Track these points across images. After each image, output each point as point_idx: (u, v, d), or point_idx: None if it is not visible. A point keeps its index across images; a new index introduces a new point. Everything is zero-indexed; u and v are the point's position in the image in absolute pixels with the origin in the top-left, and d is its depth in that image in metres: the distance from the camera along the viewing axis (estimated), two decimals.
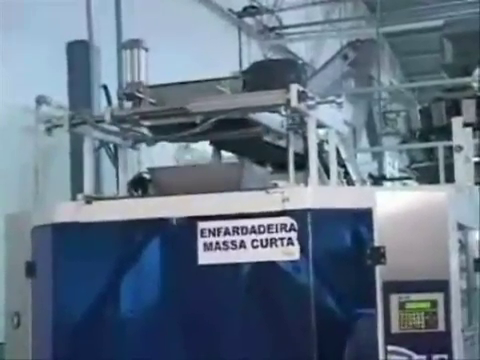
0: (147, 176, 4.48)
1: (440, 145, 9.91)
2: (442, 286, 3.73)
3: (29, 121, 4.63)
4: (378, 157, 12.91)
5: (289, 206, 3.71)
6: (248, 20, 12.29)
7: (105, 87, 6.20)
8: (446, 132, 10.29)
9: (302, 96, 3.87)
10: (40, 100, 4.43)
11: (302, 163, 4.25)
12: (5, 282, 4.34)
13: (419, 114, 12.32)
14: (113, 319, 4.14)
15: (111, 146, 4.88)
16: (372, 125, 12.32)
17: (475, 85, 12.31)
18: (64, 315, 4.09)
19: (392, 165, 14.88)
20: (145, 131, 4.48)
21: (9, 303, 4.34)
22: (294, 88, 3.85)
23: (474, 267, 4.46)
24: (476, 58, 12.49)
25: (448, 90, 12.38)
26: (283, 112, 4.04)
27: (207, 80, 4.38)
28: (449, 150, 9.21)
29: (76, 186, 4.95)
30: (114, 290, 4.15)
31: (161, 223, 3.88)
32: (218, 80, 4.34)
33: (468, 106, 10.86)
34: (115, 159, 4.77)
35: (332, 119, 4.39)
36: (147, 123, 4.32)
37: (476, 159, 8.61)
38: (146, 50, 4.36)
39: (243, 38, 12.03)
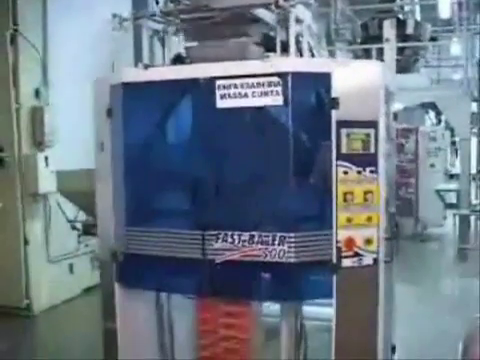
0: (183, 53, 4.31)
1: (373, 46, 10.01)
2: (373, 124, 3.62)
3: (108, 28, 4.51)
4: (332, 55, 12.79)
5: (276, 69, 3.59)
6: None
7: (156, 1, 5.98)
8: (377, 39, 10.29)
9: None
10: (114, 15, 4.32)
11: (285, 47, 4.11)
12: (94, 122, 4.21)
13: (360, 28, 12.24)
14: (162, 145, 4.09)
15: (161, 34, 4.69)
16: (330, 35, 12.17)
17: (395, 8, 12.35)
18: (130, 142, 4.01)
19: None
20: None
21: (97, 136, 4.23)
22: None
23: (393, 118, 4.35)
24: None
25: (379, 12, 12.35)
26: (273, 9, 3.89)
27: None
28: (380, 51, 9.20)
29: (137, 60, 4.82)
30: (163, 126, 4.06)
31: (193, 82, 3.75)
32: None
33: (392, 21, 10.85)
34: (163, 42, 4.60)
35: (306, 17, 4.21)
36: (184, 16, 4.15)
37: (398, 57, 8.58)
38: None
39: None
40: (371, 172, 3.63)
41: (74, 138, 7.38)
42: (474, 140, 13.55)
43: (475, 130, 13.62)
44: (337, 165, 3.59)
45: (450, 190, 13.40)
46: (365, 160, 3.63)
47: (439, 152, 13.06)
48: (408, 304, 6.94)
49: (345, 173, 3.60)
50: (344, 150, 3.60)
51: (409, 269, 8.78)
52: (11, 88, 7.66)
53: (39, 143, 7.93)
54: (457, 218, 11.58)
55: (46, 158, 7.85)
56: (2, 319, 7.40)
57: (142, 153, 4.00)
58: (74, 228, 6.87)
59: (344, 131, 3.60)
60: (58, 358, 6.20)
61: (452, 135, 16.21)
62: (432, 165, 12.93)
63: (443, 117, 16.19)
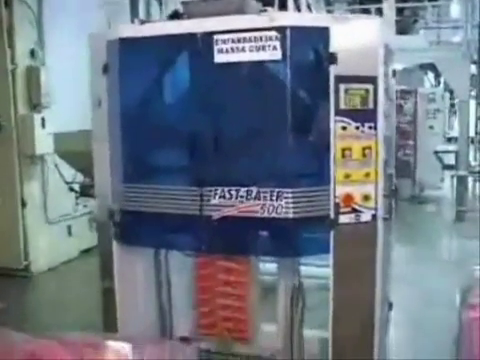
0: (181, 10, 4.25)
1: (373, 6, 9.96)
2: (372, 80, 3.58)
3: None
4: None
5: (275, 24, 3.54)
6: None
7: None
8: None
9: None
10: None
11: (283, 3, 4.06)
12: (90, 76, 4.16)
13: None
14: (159, 101, 4.06)
15: None
16: None
17: None
18: (127, 99, 3.97)
19: None
20: None
21: (93, 93, 4.18)
22: None
23: (392, 74, 4.31)
24: None
25: None
26: None
27: None
28: (379, 12, 9.13)
29: (134, 16, 4.78)
30: (160, 82, 4.03)
31: (190, 36, 3.71)
32: None
33: None
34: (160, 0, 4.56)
35: None
36: None
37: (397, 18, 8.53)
38: None
39: None
40: (370, 128, 3.61)
41: (70, 99, 7.34)
42: (472, 103, 13.51)
43: (473, 93, 13.57)
44: (335, 120, 3.57)
45: (448, 151, 13.42)
46: (364, 116, 3.60)
47: (438, 114, 13.05)
48: (404, 263, 7.00)
49: (343, 128, 3.59)
50: (342, 105, 3.57)
51: (406, 230, 8.83)
52: (6, 49, 7.59)
53: (35, 104, 7.89)
54: (455, 180, 11.61)
55: (43, 119, 7.82)
56: (1, 280, 7.45)
57: (139, 109, 3.97)
58: (72, 190, 6.88)
59: (342, 86, 3.57)
60: (57, 317, 6.26)
61: (451, 97, 16.19)
62: (431, 127, 12.93)
63: (442, 79, 16.16)
